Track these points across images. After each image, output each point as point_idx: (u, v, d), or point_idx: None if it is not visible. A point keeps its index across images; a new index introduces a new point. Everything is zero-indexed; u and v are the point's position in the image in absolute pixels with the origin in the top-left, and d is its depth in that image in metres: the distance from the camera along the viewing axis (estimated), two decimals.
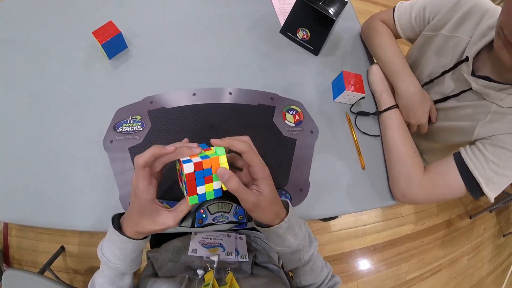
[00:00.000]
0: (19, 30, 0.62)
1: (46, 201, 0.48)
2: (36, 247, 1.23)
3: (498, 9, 0.55)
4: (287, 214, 0.40)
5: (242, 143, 0.37)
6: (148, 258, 0.58)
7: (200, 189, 0.35)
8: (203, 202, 0.50)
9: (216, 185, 0.36)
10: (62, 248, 1.22)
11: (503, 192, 2.08)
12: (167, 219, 0.36)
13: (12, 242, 1.24)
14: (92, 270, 1.22)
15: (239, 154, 0.40)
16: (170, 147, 0.35)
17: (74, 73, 0.59)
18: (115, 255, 0.39)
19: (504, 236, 1.97)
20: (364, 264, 1.56)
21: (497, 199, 2.12)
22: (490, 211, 1.98)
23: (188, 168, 0.33)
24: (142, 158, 0.34)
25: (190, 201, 0.35)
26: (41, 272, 1.05)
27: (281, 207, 0.41)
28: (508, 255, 1.94)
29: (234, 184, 0.35)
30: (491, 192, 0.50)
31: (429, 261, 1.68)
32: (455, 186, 0.53)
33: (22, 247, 1.23)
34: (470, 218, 1.90)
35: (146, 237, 0.40)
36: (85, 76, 0.59)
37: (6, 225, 1.25)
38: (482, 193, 0.51)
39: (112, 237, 0.39)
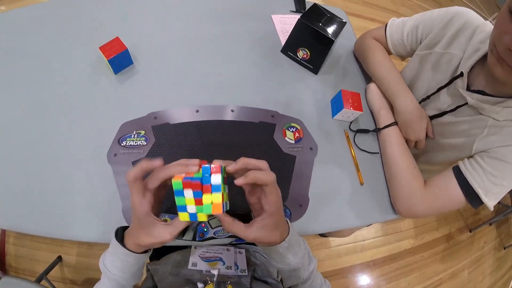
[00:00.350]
0: (25, 41, 0.64)
1: (47, 211, 0.49)
2: (34, 255, 1.22)
3: (488, 24, 0.57)
4: (288, 233, 0.41)
5: (266, 175, 0.36)
6: (148, 270, 0.58)
7: (190, 208, 0.34)
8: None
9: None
10: (60, 258, 1.21)
11: (502, 204, 2.07)
12: (163, 232, 0.36)
13: (9, 249, 1.23)
14: (89, 281, 1.21)
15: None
16: (156, 162, 0.35)
17: (80, 86, 0.61)
18: (117, 267, 0.39)
19: (504, 249, 1.95)
20: (363, 280, 1.54)
21: (497, 212, 2.10)
22: (490, 224, 1.97)
23: (176, 186, 0.32)
24: (131, 172, 0.34)
25: (181, 217, 0.35)
26: (38, 281, 1.04)
27: (283, 228, 0.41)
28: (509, 268, 1.92)
29: (227, 225, 0.36)
30: (490, 202, 0.52)
31: (429, 275, 1.66)
32: (455, 199, 0.54)
33: (20, 255, 1.23)
34: (470, 231, 1.89)
35: (147, 251, 0.41)
36: (91, 90, 0.61)
37: (3, 232, 1.24)
38: (481, 202, 0.53)
39: (114, 249, 0.39)
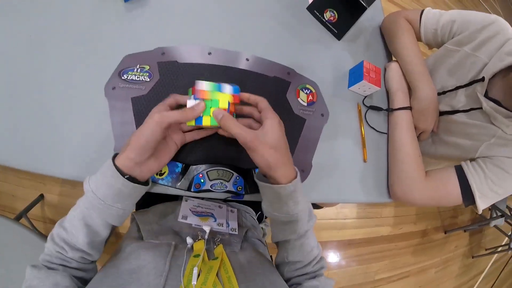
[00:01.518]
0: None
1: (33, 143, 0.44)
2: (15, 192, 1.19)
3: None
4: (295, 177, 0.39)
5: (259, 97, 0.41)
6: (134, 219, 0.55)
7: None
8: (203, 166, 0.48)
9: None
10: (42, 196, 1.19)
11: (481, 215, 2.17)
12: (153, 116, 0.36)
13: None
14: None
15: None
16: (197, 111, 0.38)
17: (83, 11, 0.54)
18: (94, 181, 0.36)
19: (473, 258, 2.06)
20: (336, 257, 1.60)
21: (474, 220, 2.22)
22: (465, 231, 2.07)
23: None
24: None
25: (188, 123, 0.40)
26: (17, 219, 1.02)
27: (290, 165, 0.39)
28: (473, 276, 2.04)
29: (227, 121, 0.36)
30: (482, 205, 0.55)
31: (399, 265, 1.74)
32: (453, 195, 0.56)
33: (1, 191, 1.19)
34: (445, 233, 1.98)
35: (134, 180, 0.37)
36: (95, 16, 0.54)
37: None
38: (473, 203, 0.56)
39: (103, 167, 0.37)
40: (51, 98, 0.47)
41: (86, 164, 0.45)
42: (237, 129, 0.36)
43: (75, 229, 0.37)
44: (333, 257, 1.59)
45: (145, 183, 0.40)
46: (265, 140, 0.37)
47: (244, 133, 0.36)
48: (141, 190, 0.39)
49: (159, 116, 0.35)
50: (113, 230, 0.42)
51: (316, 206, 1.31)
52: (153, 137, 0.36)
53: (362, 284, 1.61)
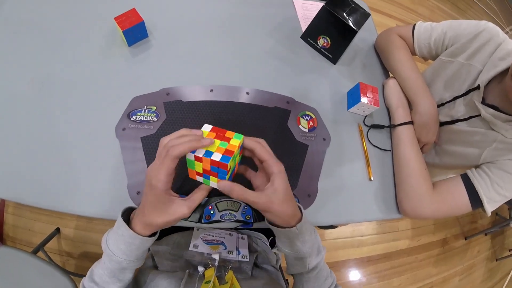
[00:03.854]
0: (37, 12, 0.61)
1: (50, 183, 0.47)
2: (32, 226, 1.22)
3: (511, 42, 0.59)
4: (301, 219, 0.40)
5: (254, 141, 0.38)
6: (149, 250, 0.57)
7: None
8: (212, 198, 0.50)
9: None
10: (58, 230, 1.22)
11: (500, 216, 2.08)
12: (181, 207, 0.36)
13: (8, 219, 1.23)
14: (86, 254, 1.21)
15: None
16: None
17: (91, 57, 0.59)
18: (120, 249, 0.38)
19: (497, 260, 1.97)
20: (356, 275, 1.55)
21: (494, 223, 2.12)
22: (486, 234, 1.99)
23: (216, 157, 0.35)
24: (178, 149, 0.33)
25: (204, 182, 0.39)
26: (34, 252, 1.05)
27: (295, 208, 0.40)
28: (499, 280, 1.94)
29: (237, 192, 0.36)
30: (490, 209, 0.55)
31: (421, 277, 1.67)
32: (462, 204, 0.56)
33: (18, 225, 1.23)
34: (466, 239, 1.91)
35: (154, 234, 0.40)
36: (103, 62, 0.59)
37: (3, 201, 1.24)
38: (481, 207, 0.56)
39: (120, 230, 0.38)
40: (66, 140, 0.51)
41: (101, 202, 0.48)
42: (249, 197, 0.37)
43: (107, 284, 0.40)
44: (353, 275, 1.55)
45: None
46: (277, 199, 0.37)
47: (257, 199, 0.37)
48: (156, 238, 0.42)
49: (189, 210, 0.37)
50: None
51: (330, 225, 1.29)
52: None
53: None
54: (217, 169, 0.36)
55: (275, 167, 0.38)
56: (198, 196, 0.38)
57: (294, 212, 0.40)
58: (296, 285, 0.48)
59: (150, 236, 0.39)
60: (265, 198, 0.37)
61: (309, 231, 0.42)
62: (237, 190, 0.36)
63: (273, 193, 0.37)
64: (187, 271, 0.46)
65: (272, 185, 0.37)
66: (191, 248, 0.54)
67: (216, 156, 0.34)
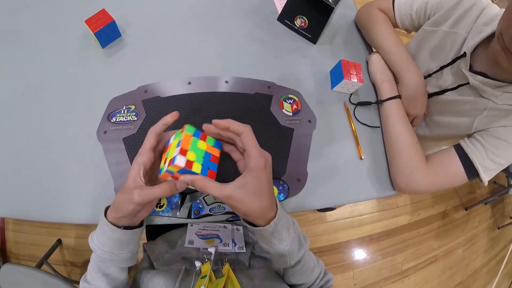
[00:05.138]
0: (9, 21, 0.60)
1: (40, 195, 0.47)
2: (33, 240, 1.23)
3: (494, 7, 0.58)
4: (275, 216, 0.37)
5: (242, 125, 0.36)
6: (145, 250, 0.57)
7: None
8: (199, 193, 0.49)
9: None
10: (59, 241, 1.22)
11: (498, 185, 2.11)
12: (136, 189, 0.34)
13: (9, 236, 1.23)
14: (89, 262, 1.22)
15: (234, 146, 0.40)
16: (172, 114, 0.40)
17: (66, 63, 0.57)
18: (97, 236, 0.39)
19: (498, 229, 2.00)
20: (360, 254, 1.57)
21: (493, 191, 2.15)
22: (486, 203, 2.01)
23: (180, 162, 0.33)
24: (154, 127, 0.39)
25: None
26: (39, 266, 1.05)
27: (268, 204, 0.36)
28: (502, 248, 1.97)
29: (198, 185, 0.34)
30: (487, 178, 0.54)
31: (424, 251, 1.70)
32: (457, 175, 0.55)
33: (19, 241, 1.23)
34: (466, 210, 1.93)
35: (127, 227, 0.39)
36: (78, 66, 0.57)
37: (2, 219, 1.24)
38: (476, 177, 0.55)
39: (99, 222, 0.39)
40: (49, 149, 0.50)
41: (92, 207, 0.48)
42: (210, 190, 0.34)
43: (96, 281, 0.40)
44: (356, 255, 1.56)
45: (140, 224, 0.42)
46: (242, 194, 0.34)
47: (218, 193, 0.33)
48: (138, 233, 0.42)
49: (138, 196, 0.34)
50: (131, 269, 0.45)
51: (329, 208, 1.30)
52: (135, 211, 0.37)
53: (390, 277, 1.57)
54: (183, 170, 0.34)
55: (253, 162, 0.35)
56: (157, 187, 0.35)
57: (265, 208, 0.36)
58: (284, 279, 0.47)
59: (128, 228, 0.39)
60: (226, 193, 0.33)
61: (286, 227, 0.38)
62: (198, 183, 0.33)
63: (238, 189, 0.34)
64: (183, 267, 0.45)
65: (241, 180, 0.34)
66: (186, 244, 0.54)
67: (175, 163, 0.33)
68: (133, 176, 0.36)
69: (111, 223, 0.37)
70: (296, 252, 0.40)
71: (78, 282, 0.84)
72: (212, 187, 0.33)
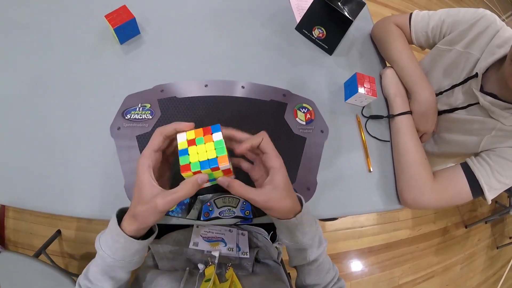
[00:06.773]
0: (28, 12, 0.60)
1: (47, 186, 0.47)
2: (33, 230, 1.22)
3: (508, 30, 0.59)
4: (301, 210, 0.40)
5: (258, 135, 0.38)
6: (149, 249, 0.57)
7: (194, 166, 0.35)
8: (210, 195, 0.49)
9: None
10: (59, 232, 1.21)
11: (499, 204, 2.10)
12: (156, 197, 0.33)
13: (9, 223, 1.23)
14: (87, 256, 1.21)
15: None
16: (187, 124, 0.37)
17: (83, 56, 0.57)
18: (108, 245, 0.37)
19: (497, 248, 1.98)
20: (358, 266, 1.56)
21: (494, 211, 2.14)
22: (486, 222, 2.00)
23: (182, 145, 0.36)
24: (165, 127, 0.36)
25: (185, 176, 0.35)
26: (36, 256, 1.04)
27: (295, 201, 0.40)
28: (500, 267, 1.96)
29: (236, 189, 0.35)
30: (491, 196, 0.55)
31: (422, 267, 1.69)
32: (463, 192, 0.56)
33: (19, 229, 1.22)
34: (466, 227, 1.92)
35: (145, 237, 0.38)
36: (95, 60, 0.57)
37: (3, 206, 1.24)
38: (481, 195, 0.56)
39: (111, 225, 0.37)
40: (61, 142, 0.50)
41: (100, 203, 0.47)
42: (248, 195, 0.36)
43: (101, 283, 0.38)
44: (354, 266, 1.56)
45: (153, 229, 0.41)
46: (276, 196, 0.36)
47: (256, 197, 0.36)
48: (153, 238, 0.41)
49: (163, 205, 0.33)
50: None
51: (331, 217, 1.29)
52: (160, 219, 0.36)
53: None
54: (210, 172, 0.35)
55: (276, 161, 0.37)
56: (178, 189, 0.34)
57: (293, 205, 0.39)
58: (298, 277, 0.48)
59: (141, 238, 0.37)
60: (263, 196, 0.36)
61: (310, 223, 0.41)
62: (236, 187, 0.35)
63: (272, 190, 0.36)
64: (187, 269, 0.45)
65: (271, 182, 0.36)
66: (191, 246, 0.53)
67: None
68: (147, 184, 0.34)
69: (128, 235, 0.36)
70: (315, 249, 0.42)
71: (75, 275, 0.84)
72: (250, 192, 0.36)
